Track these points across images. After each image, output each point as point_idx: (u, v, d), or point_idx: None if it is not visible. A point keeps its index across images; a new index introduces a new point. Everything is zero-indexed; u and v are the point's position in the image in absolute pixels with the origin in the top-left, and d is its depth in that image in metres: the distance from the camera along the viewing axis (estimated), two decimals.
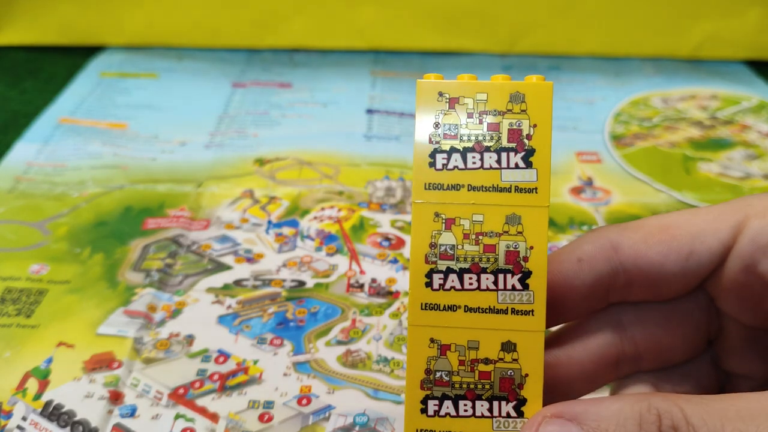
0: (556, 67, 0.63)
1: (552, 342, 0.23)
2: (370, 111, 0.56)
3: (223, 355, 0.34)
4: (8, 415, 0.31)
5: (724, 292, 0.22)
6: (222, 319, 0.36)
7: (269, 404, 0.32)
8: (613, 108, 0.57)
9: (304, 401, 0.32)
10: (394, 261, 0.40)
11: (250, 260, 0.40)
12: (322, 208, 0.45)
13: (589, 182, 0.48)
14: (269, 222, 0.43)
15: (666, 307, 0.23)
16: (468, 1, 0.62)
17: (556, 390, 0.21)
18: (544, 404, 0.20)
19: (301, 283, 0.39)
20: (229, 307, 0.37)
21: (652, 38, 0.64)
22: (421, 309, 0.20)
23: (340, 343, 0.35)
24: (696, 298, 0.23)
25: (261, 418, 0.31)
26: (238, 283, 0.39)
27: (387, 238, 0.42)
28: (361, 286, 0.38)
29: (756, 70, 0.63)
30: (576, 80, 0.61)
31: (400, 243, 0.42)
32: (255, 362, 0.34)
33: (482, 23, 0.63)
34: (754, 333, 0.23)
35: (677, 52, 0.64)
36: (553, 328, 0.23)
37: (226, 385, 0.33)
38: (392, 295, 0.38)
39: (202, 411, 0.31)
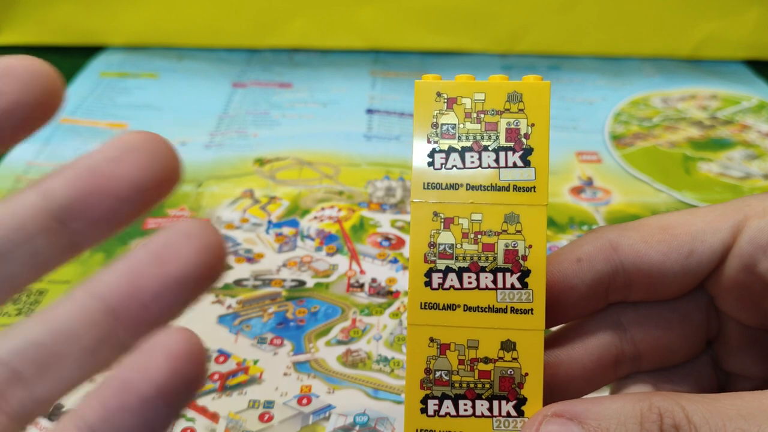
0: (556, 67, 0.63)
1: (551, 342, 0.23)
2: (370, 111, 0.56)
3: (223, 355, 0.34)
4: None
5: (723, 291, 0.22)
6: (222, 319, 0.36)
7: (269, 404, 0.32)
8: (613, 108, 0.57)
9: (305, 401, 0.32)
10: (394, 261, 0.40)
11: (250, 260, 0.40)
12: (322, 208, 0.45)
13: (589, 182, 0.48)
14: (269, 222, 0.44)
15: (665, 308, 0.23)
16: (468, 1, 0.62)
17: (556, 390, 0.21)
18: (544, 404, 0.20)
19: (301, 283, 0.39)
20: (229, 306, 0.37)
21: (652, 38, 0.64)
22: (421, 308, 0.20)
23: (340, 342, 0.35)
24: (695, 298, 0.23)
25: (261, 417, 0.31)
26: (238, 282, 0.39)
27: (387, 238, 0.42)
28: (361, 286, 0.39)
29: (756, 70, 0.63)
30: (576, 80, 0.61)
31: (400, 243, 0.42)
32: (255, 362, 0.34)
33: (482, 23, 0.63)
34: (754, 333, 0.23)
35: (677, 52, 0.64)
36: (553, 329, 0.23)
37: (226, 384, 0.33)
38: (392, 294, 0.38)
39: (202, 411, 0.31)
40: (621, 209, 0.45)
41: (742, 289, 0.21)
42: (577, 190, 0.47)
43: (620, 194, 0.47)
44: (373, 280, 0.39)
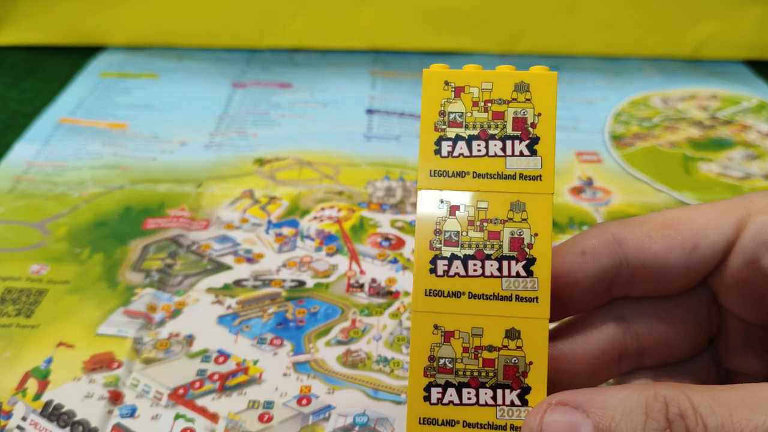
0: (556, 67, 0.63)
1: (555, 336, 0.23)
2: (370, 111, 0.56)
3: (223, 355, 0.34)
4: (8, 415, 0.31)
5: (726, 287, 0.22)
6: (222, 319, 0.36)
7: (269, 404, 0.32)
8: (613, 108, 0.57)
9: (304, 401, 0.32)
10: (394, 261, 0.40)
11: (250, 260, 0.40)
12: (322, 208, 0.45)
13: (589, 182, 0.48)
14: (269, 222, 0.43)
15: (668, 303, 0.23)
16: (468, 1, 0.62)
17: (559, 384, 0.21)
18: (548, 395, 0.20)
19: (301, 283, 0.39)
20: (229, 307, 0.37)
21: (652, 38, 0.64)
22: (425, 295, 0.20)
23: (340, 343, 0.35)
24: (698, 294, 0.23)
25: (261, 418, 0.31)
26: (238, 283, 0.39)
27: (387, 238, 0.42)
28: (361, 286, 0.38)
29: (756, 70, 0.63)
30: (576, 80, 0.61)
31: (400, 243, 0.42)
32: (255, 362, 0.34)
33: (482, 23, 0.63)
34: (755, 330, 0.23)
35: (677, 52, 0.64)
36: (556, 323, 0.23)
37: (225, 385, 0.32)
38: (392, 295, 0.38)
39: (202, 411, 0.31)
40: (621, 209, 0.45)
41: (744, 285, 0.21)
42: (577, 190, 0.47)
43: (620, 194, 0.47)
44: (373, 281, 0.39)
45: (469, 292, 0.20)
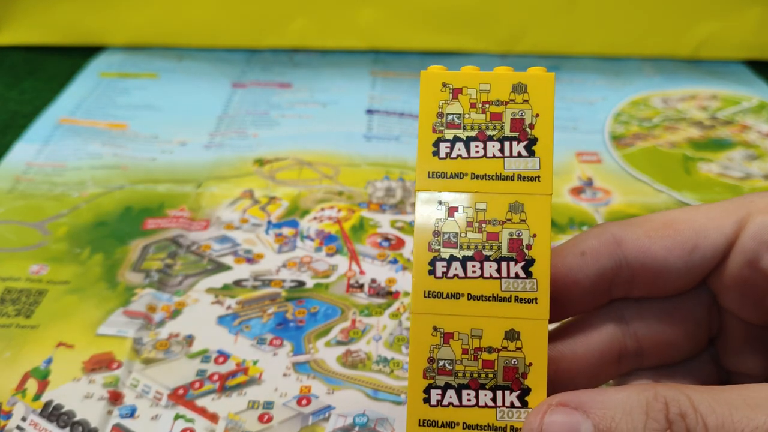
0: (556, 67, 0.63)
1: (555, 336, 0.23)
2: (370, 111, 0.56)
3: (223, 356, 0.34)
4: (8, 415, 0.31)
5: (726, 288, 0.22)
6: (222, 320, 0.36)
7: (269, 404, 0.32)
8: (613, 108, 0.57)
9: (304, 401, 0.32)
10: (394, 261, 0.40)
11: (249, 260, 0.40)
12: (322, 209, 0.45)
13: (589, 182, 0.48)
14: (269, 222, 0.43)
15: (668, 304, 0.23)
16: (468, 1, 0.62)
17: (558, 385, 0.21)
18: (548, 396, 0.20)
19: (301, 284, 0.39)
20: (229, 307, 0.37)
21: (652, 38, 0.64)
22: (424, 297, 0.20)
23: (339, 343, 0.35)
24: (698, 295, 0.23)
25: (261, 418, 0.31)
26: (237, 283, 0.39)
27: (387, 239, 0.42)
28: (361, 287, 0.38)
29: (756, 70, 0.63)
30: (576, 80, 0.61)
31: (400, 243, 0.42)
32: (255, 362, 0.34)
33: (482, 23, 0.63)
34: (755, 331, 0.23)
35: (677, 52, 0.64)
36: (556, 324, 0.23)
37: (225, 385, 0.32)
38: (392, 295, 0.38)
39: (202, 411, 0.31)
40: (621, 210, 0.45)
41: (744, 285, 0.21)
42: (577, 191, 0.47)
43: (620, 194, 0.47)
44: (373, 281, 0.39)
45: (469, 294, 0.20)
